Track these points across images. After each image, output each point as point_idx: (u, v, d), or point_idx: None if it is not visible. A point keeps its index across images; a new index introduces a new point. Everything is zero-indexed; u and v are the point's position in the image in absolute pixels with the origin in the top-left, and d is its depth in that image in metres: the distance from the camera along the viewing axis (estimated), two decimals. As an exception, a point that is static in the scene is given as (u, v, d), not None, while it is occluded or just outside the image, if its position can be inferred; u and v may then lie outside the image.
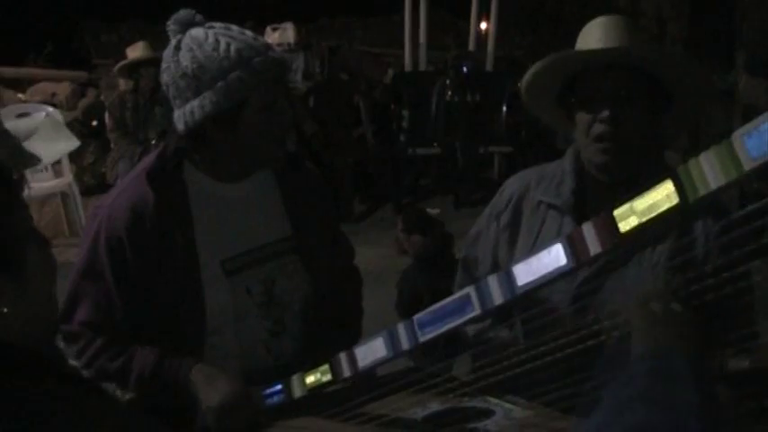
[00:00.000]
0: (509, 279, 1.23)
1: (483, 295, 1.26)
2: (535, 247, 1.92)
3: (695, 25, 8.88)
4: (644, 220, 1.08)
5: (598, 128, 1.80)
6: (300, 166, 2.05)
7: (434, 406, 1.66)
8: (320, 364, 1.60)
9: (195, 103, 1.75)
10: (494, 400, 1.67)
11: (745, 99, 7.96)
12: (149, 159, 1.91)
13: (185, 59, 1.75)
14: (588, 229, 1.14)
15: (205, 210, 1.88)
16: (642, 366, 1.03)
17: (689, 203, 1.04)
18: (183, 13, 1.81)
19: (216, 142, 1.81)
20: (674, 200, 1.05)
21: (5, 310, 0.98)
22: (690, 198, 1.04)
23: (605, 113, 1.78)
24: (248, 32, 1.81)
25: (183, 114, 1.77)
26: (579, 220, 1.83)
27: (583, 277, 1.79)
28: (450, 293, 1.36)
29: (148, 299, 1.82)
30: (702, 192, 1.03)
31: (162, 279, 1.81)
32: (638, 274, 1.74)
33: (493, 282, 1.25)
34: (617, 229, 1.11)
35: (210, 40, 1.75)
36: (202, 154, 1.87)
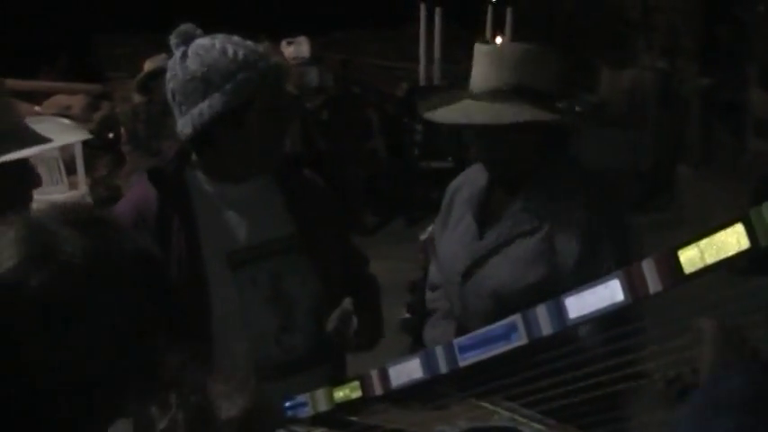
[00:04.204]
0: (559, 310, 1.18)
1: (530, 324, 1.21)
2: (446, 229, 2.19)
3: (709, 39, 8.86)
4: (710, 262, 1.03)
5: None
6: (300, 168, 2.12)
7: (462, 424, 1.66)
8: (350, 380, 1.61)
9: (204, 104, 1.84)
10: (522, 420, 1.67)
11: (757, 113, 7.92)
12: (153, 164, 2.03)
13: (194, 64, 1.86)
14: (649, 266, 1.08)
15: (208, 208, 1.96)
16: (733, 377, 1.02)
17: (760, 248, 1.01)
18: (185, 27, 1.92)
19: (221, 143, 1.90)
20: (745, 244, 1.02)
21: None
22: (762, 243, 1.01)
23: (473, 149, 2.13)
24: (249, 42, 1.92)
25: (191, 117, 1.86)
26: (477, 216, 2.10)
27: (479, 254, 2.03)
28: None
29: None
30: None
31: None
32: (523, 255, 1.96)
33: (542, 312, 1.21)
34: (681, 268, 1.04)
35: (218, 46, 1.87)
36: (207, 156, 1.95)
